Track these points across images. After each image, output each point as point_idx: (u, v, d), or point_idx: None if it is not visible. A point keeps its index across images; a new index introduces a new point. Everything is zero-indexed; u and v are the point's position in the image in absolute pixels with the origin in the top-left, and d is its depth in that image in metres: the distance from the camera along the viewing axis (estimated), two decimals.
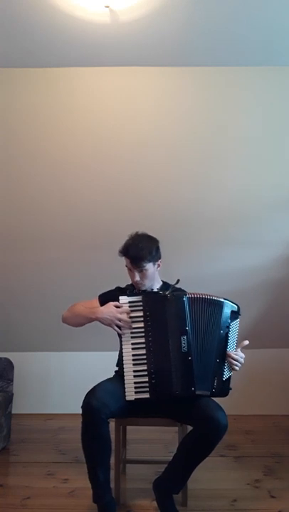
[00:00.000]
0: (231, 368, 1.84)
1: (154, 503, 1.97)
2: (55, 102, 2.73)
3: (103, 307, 1.91)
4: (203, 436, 1.71)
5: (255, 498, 2.02)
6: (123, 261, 2.00)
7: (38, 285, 3.05)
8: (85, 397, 1.74)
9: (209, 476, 2.16)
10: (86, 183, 2.83)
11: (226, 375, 1.83)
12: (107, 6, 2.14)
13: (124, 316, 1.85)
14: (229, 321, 1.85)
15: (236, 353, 1.83)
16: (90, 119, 2.75)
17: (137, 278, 1.96)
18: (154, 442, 2.62)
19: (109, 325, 1.87)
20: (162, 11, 2.22)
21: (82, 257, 2.96)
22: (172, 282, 1.99)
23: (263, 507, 1.95)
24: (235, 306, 1.88)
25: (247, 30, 2.38)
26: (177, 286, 1.97)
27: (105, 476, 1.78)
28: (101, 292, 2.08)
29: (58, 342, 3.17)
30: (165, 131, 2.76)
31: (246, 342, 1.87)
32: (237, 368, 1.83)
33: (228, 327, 1.83)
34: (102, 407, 1.70)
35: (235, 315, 1.87)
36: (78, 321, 2.01)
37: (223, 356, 1.82)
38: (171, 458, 1.84)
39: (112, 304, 1.90)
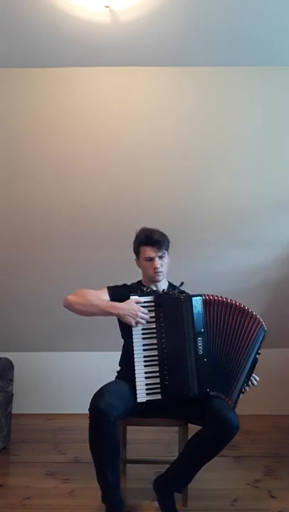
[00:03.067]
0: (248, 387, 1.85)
1: (154, 503, 1.97)
2: (55, 102, 2.73)
3: (124, 303, 1.87)
4: (216, 435, 1.70)
5: (255, 498, 2.02)
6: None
7: (39, 285, 3.05)
8: (92, 399, 1.73)
9: (209, 476, 2.15)
10: (86, 183, 2.83)
11: (242, 392, 1.84)
12: (107, 6, 2.14)
13: (145, 315, 1.84)
14: (261, 345, 1.84)
15: (255, 376, 1.86)
16: (90, 119, 2.75)
17: (158, 264, 1.98)
18: (154, 442, 2.62)
19: (128, 322, 1.84)
20: (162, 11, 2.22)
21: (82, 257, 2.96)
22: (174, 283, 1.99)
23: (263, 507, 1.95)
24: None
25: (247, 30, 2.38)
26: (182, 288, 1.99)
27: (114, 477, 1.76)
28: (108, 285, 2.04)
29: (58, 342, 3.17)
30: (165, 131, 2.77)
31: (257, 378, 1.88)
32: (248, 389, 1.85)
33: (259, 354, 1.83)
34: (110, 408, 1.68)
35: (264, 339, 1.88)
36: (90, 310, 1.89)
37: (250, 376, 1.82)
38: (171, 458, 1.84)
39: (133, 300, 1.87)
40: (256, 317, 1.81)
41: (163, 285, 2.06)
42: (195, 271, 2.93)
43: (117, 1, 2.12)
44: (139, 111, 2.75)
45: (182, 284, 1.98)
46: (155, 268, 1.98)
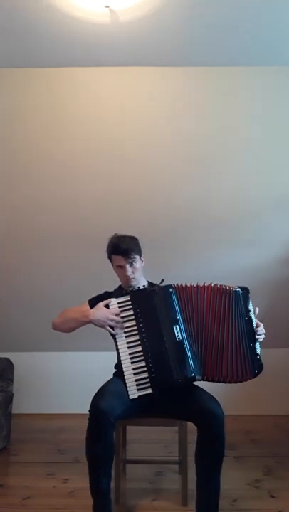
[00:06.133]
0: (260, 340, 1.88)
1: (154, 503, 1.98)
2: (55, 103, 2.73)
3: (94, 309, 1.94)
4: (205, 429, 1.73)
5: (255, 498, 2.02)
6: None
7: (39, 285, 3.05)
8: (93, 400, 1.74)
9: None
10: (87, 183, 2.83)
11: (258, 351, 1.85)
12: (107, 6, 2.14)
13: (116, 317, 1.88)
14: (248, 303, 1.85)
15: (260, 327, 1.87)
16: (89, 119, 2.75)
17: (129, 272, 2.02)
18: (154, 442, 2.62)
19: (102, 326, 1.90)
20: (162, 11, 2.22)
21: (82, 257, 2.96)
22: (171, 283, 1.99)
23: (263, 507, 1.96)
24: (248, 288, 1.88)
25: (247, 30, 2.38)
26: (162, 285, 1.99)
27: (108, 485, 1.74)
28: (92, 296, 2.09)
29: (58, 342, 3.16)
30: (165, 131, 2.77)
31: (257, 309, 1.91)
32: (262, 339, 1.87)
33: (249, 311, 1.85)
34: (110, 409, 1.70)
35: (249, 295, 1.88)
36: (70, 325, 2.01)
37: (254, 337, 1.84)
38: (171, 458, 1.85)
39: (101, 304, 1.94)
40: (225, 288, 1.83)
41: (142, 284, 2.08)
42: (195, 271, 2.93)
43: (117, 1, 2.12)
44: (139, 111, 2.75)
45: (162, 281, 2.00)
46: (126, 276, 2.03)
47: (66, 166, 2.81)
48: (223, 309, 1.84)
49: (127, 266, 2.02)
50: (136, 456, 2.35)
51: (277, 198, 2.87)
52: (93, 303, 2.02)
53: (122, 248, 2.01)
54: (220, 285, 1.85)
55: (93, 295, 2.09)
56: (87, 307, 2.01)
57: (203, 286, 1.87)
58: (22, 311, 3.12)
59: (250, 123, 2.77)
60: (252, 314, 1.86)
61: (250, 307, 1.86)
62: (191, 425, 1.89)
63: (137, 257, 2.05)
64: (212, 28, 2.35)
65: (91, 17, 2.23)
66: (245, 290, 1.87)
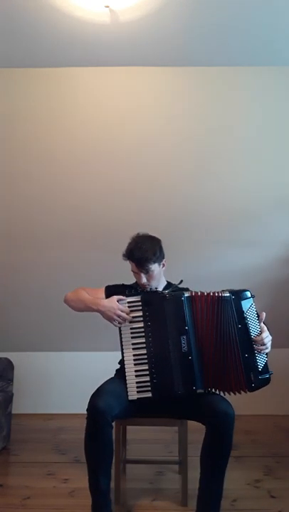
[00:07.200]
0: (263, 352, 1.79)
1: (154, 503, 1.98)
2: (55, 102, 2.74)
3: (106, 300, 1.90)
4: (214, 430, 1.71)
5: (255, 498, 2.02)
6: (123, 261, 2.01)
7: (38, 285, 3.05)
8: (91, 399, 1.73)
9: None
10: (86, 182, 2.83)
11: (261, 363, 1.77)
12: (107, 6, 2.14)
13: (125, 314, 1.85)
14: (244, 309, 1.76)
15: (259, 336, 1.77)
16: (89, 119, 2.76)
17: (144, 280, 1.95)
18: (154, 442, 2.62)
19: (108, 319, 1.87)
20: (162, 11, 2.22)
21: (82, 257, 2.96)
22: (173, 282, 1.99)
23: (263, 507, 1.96)
24: (246, 293, 1.80)
25: (247, 30, 2.38)
26: (181, 286, 1.97)
27: (107, 485, 1.74)
28: (108, 284, 2.07)
29: (58, 342, 3.17)
30: (165, 131, 2.77)
31: (263, 314, 1.82)
32: (268, 350, 1.79)
33: (244, 318, 1.76)
34: (108, 408, 1.69)
35: (248, 300, 1.79)
36: (79, 306, 1.98)
37: (251, 348, 1.75)
38: (171, 458, 1.84)
39: (115, 297, 1.89)
40: (217, 295, 1.76)
41: (160, 286, 2.05)
42: (195, 270, 2.93)
43: (117, 1, 2.12)
44: (139, 111, 2.75)
45: (181, 282, 1.97)
46: (141, 283, 1.97)
47: (66, 166, 2.81)
48: (215, 318, 1.77)
49: (142, 274, 1.95)
50: (136, 456, 2.35)
51: (277, 198, 2.87)
52: (109, 292, 1.99)
53: (136, 257, 1.92)
54: (213, 292, 1.79)
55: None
56: (103, 294, 1.99)
57: (216, 294, 1.79)
58: (22, 311, 3.12)
59: (250, 123, 2.78)
60: (250, 321, 1.77)
61: (248, 313, 1.77)
62: (191, 425, 1.89)
63: (154, 265, 1.94)
64: (212, 28, 2.35)
65: (91, 17, 2.23)
66: (238, 295, 1.77)
